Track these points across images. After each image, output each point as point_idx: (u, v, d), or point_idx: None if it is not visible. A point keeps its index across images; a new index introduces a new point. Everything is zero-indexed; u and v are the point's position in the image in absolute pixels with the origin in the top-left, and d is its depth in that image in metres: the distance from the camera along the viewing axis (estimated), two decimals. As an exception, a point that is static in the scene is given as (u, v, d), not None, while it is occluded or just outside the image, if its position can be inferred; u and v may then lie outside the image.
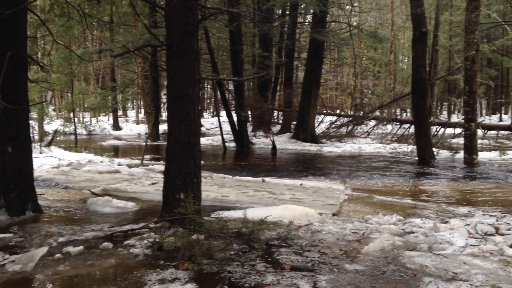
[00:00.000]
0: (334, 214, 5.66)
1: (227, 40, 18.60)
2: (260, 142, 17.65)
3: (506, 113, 34.94)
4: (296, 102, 20.41)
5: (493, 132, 20.15)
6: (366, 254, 3.98)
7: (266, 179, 8.32)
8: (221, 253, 3.88)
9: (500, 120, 31.09)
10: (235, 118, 16.09)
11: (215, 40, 24.65)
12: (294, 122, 19.52)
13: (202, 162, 10.97)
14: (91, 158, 11.36)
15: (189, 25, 4.66)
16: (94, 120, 30.46)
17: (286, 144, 16.80)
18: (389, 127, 21.15)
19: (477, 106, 27.41)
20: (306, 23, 24.28)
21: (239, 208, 5.62)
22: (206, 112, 44.49)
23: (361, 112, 21.57)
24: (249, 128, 20.40)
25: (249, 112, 21.22)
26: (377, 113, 23.11)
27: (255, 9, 16.39)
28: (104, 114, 34.77)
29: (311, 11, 18.36)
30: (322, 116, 22.67)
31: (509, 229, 4.85)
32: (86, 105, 27.87)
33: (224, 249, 3.95)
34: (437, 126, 19.52)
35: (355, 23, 27.64)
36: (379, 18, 38.91)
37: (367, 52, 35.01)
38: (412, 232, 4.72)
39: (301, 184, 7.76)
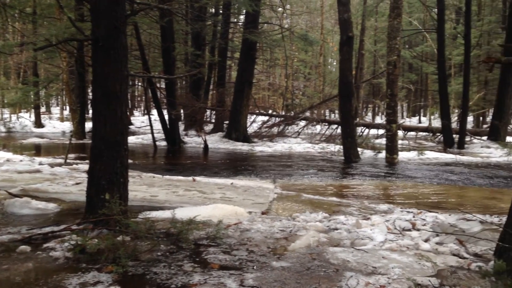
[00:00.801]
0: (263, 213, 5.75)
1: (158, 37, 18.24)
2: (192, 141, 17.50)
3: (424, 115, 37.29)
4: (229, 101, 20.45)
5: (412, 133, 21.46)
6: (293, 251, 4.08)
7: (197, 178, 8.27)
8: (148, 254, 3.81)
9: (419, 122, 33.14)
10: (166, 117, 15.82)
11: (146, 36, 24.05)
12: (227, 122, 19.56)
13: (130, 161, 10.67)
14: (9, 157, 10.66)
15: (116, 20, 4.52)
16: (14, 117, 28.62)
17: (218, 143, 16.79)
18: (318, 127, 21.81)
19: (398, 108, 28.94)
20: (240, 23, 24.41)
21: (168, 208, 5.54)
22: (136, 110, 43.36)
23: (292, 112, 22.05)
24: (181, 127, 20.16)
25: (182, 111, 20.96)
26: (308, 113, 23.77)
27: (188, 6, 16.20)
28: (25, 110, 32.78)
29: (244, 11, 18.47)
30: (255, 116, 22.91)
31: (424, 225, 5.19)
32: (5, 101, 26.13)
33: (151, 250, 3.89)
34: (362, 127, 20.44)
35: (286, 26, 28.21)
36: (310, 21, 40.01)
37: (298, 54, 35.85)
38: (337, 229, 4.91)
39: (231, 183, 7.80)
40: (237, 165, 11.21)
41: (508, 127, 18.16)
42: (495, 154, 14.40)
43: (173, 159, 12.91)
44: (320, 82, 32.27)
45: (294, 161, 12.29)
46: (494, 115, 17.87)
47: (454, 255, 4.06)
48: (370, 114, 39.09)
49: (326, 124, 21.28)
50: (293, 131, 20.69)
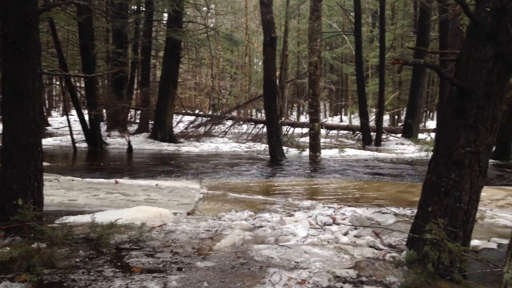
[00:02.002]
0: (189, 213, 5.70)
1: (77, 34, 17.40)
2: (115, 142, 16.90)
3: (346, 114, 38.96)
4: (154, 101, 20.00)
5: (334, 131, 22.34)
6: (218, 251, 4.09)
7: (120, 180, 8.00)
8: (65, 261, 3.63)
9: (341, 120, 34.59)
10: (87, 117, 15.14)
11: (64, 33, 22.90)
12: (152, 122, 19.13)
13: (47, 164, 10.09)
14: None
15: (27, 15, 4.26)
16: None
17: (143, 144, 16.37)
18: (244, 127, 22.01)
19: (321, 108, 29.70)
20: (163, 22, 23.96)
21: (89, 212, 5.31)
22: (55, 111, 41.09)
23: (219, 112, 22.07)
24: (104, 127, 19.39)
25: (104, 111, 20.17)
26: (234, 113, 23.90)
27: (108, 3, 15.61)
28: None
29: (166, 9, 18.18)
30: (181, 116, 22.64)
31: (344, 219, 5.43)
32: None
33: (69, 257, 3.71)
34: (287, 126, 20.92)
35: (212, 25, 28.16)
36: (235, 21, 40.25)
37: (224, 54, 35.92)
38: (261, 226, 4.99)
39: (156, 185, 7.64)
40: (163, 166, 11.01)
41: (420, 125, 19.47)
42: (409, 150, 15.40)
43: (94, 161, 12.39)
44: (246, 82, 32.57)
45: (220, 161, 12.31)
46: (407, 113, 19.12)
47: (370, 246, 4.29)
48: (295, 113, 40.16)
49: (253, 123, 21.52)
50: (220, 130, 20.71)
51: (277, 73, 23.01)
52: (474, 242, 4.37)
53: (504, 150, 12.67)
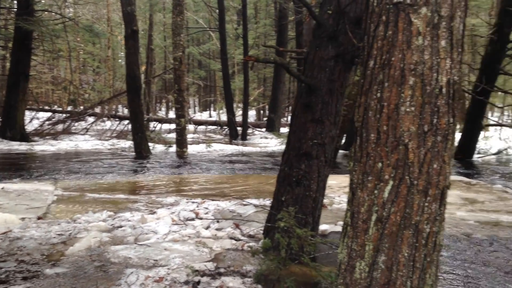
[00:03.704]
0: (39, 218, 5.24)
1: None
2: (-46, 142, 14.82)
3: (215, 110, 39.45)
4: (2, 96, 17.98)
5: (203, 127, 22.51)
6: (71, 255, 3.84)
7: (-43, 186, 7.04)
8: None
9: (210, 116, 34.93)
10: None
11: None
12: (0, 119, 17.16)
13: None
14: None
15: None
16: None
17: (-12, 144, 14.62)
18: (108, 123, 20.98)
19: (189, 103, 29.63)
20: (13, 9, 21.61)
21: None
22: None
23: (82, 107, 20.69)
24: None
25: None
26: (98, 109, 22.62)
27: None
28: None
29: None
30: (35, 112, 20.73)
31: (207, 213, 5.49)
32: None
33: None
34: (154, 122, 20.50)
35: (70, 15, 26.24)
36: (96, 12, 38.01)
37: (85, 46, 33.70)
38: (121, 227, 4.80)
39: (2, 188, 6.88)
40: (12, 168, 9.96)
41: (282, 119, 20.57)
42: (272, 143, 16.18)
43: None
44: (110, 76, 31.04)
45: (81, 160, 11.55)
46: (270, 109, 20.07)
47: (230, 238, 4.40)
48: (164, 109, 39.46)
49: (117, 119, 20.62)
50: (81, 127, 19.45)
51: (143, 67, 22.39)
52: (323, 227, 4.75)
53: (351, 141, 13.98)
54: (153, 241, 4.23)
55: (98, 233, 4.45)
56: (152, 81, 24.80)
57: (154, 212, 5.42)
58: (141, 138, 12.16)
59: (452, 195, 6.67)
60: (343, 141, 11.98)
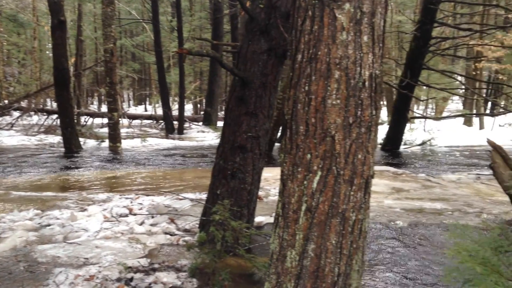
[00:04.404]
0: (-43, 219, 4.89)
1: None
2: None
3: (150, 103, 38.56)
4: None
5: (138, 121, 21.95)
6: (-6, 257, 3.62)
7: None
8: None
9: (145, 110, 34.14)
10: None
11: None
12: None
13: None
14: None
15: None
16: None
17: None
18: (36, 118, 19.87)
19: (123, 97, 28.75)
20: None
21: None
22: None
23: (6, 101, 19.42)
24: None
25: None
26: (24, 103, 21.32)
27: None
28: None
29: None
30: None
31: (141, 209, 5.38)
32: None
33: None
34: (86, 116, 19.72)
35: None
36: (21, 1, 35.77)
37: (9, 37, 31.62)
38: (49, 225, 4.60)
39: None
40: None
41: (219, 113, 20.53)
42: (208, 137, 16.12)
43: None
44: (36, 68, 29.37)
45: (4, 157, 10.87)
46: (207, 102, 19.95)
47: (166, 233, 4.35)
48: (96, 103, 37.99)
49: (45, 114, 19.57)
50: (6, 122, 18.28)
51: (72, 59, 21.42)
52: (259, 219, 4.82)
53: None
54: (83, 239, 4.09)
55: (24, 232, 4.23)
56: (82, 74, 23.76)
57: (85, 210, 5.23)
58: (71, 133, 11.65)
59: (381, 185, 7.01)
60: (279, 134, 12.15)
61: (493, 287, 1.58)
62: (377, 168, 8.66)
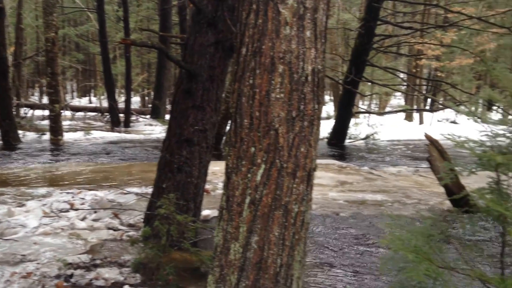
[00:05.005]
0: None
1: None
2: None
3: (95, 95, 37.33)
4: None
5: (82, 113, 21.20)
6: None
7: None
8: None
9: (90, 102, 32.99)
10: None
11: None
12: None
13: None
14: None
15: None
16: None
17: None
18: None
19: (66, 88, 27.72)
20: None
21: None
22: None
23: None
24: None
25: None
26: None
27: None
28: None
29: None
30: None
31: (83, 204, 5.22)
32: None
33: None
34: (25, 108, 18.80)
35: None
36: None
37: None
38: (-16, 222, 4.36)
39: None
40: None
41: (167, 106, 20.20)
42: (156, 130, 15.83)
43: None
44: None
45: None
46: (155, 95, 19.59)
47: (109, 228, 4.25)
48: (37, 94, 36.28)
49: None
50: None
51: (12, 48, 20.30)
52: (206, 212, 4.81)
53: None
54: (21, 235, 3.92)
55: (-46, 230, 3.99)
56: (22, 64, 22.61)
57: (23, 205, 5.01)
58: (9, 125, 11.08)
59: (326, 178, 7.18)
60: (228, 127, 12.15)
61: (424, 273, 1.68)
62: (322, 161, 8.88)
